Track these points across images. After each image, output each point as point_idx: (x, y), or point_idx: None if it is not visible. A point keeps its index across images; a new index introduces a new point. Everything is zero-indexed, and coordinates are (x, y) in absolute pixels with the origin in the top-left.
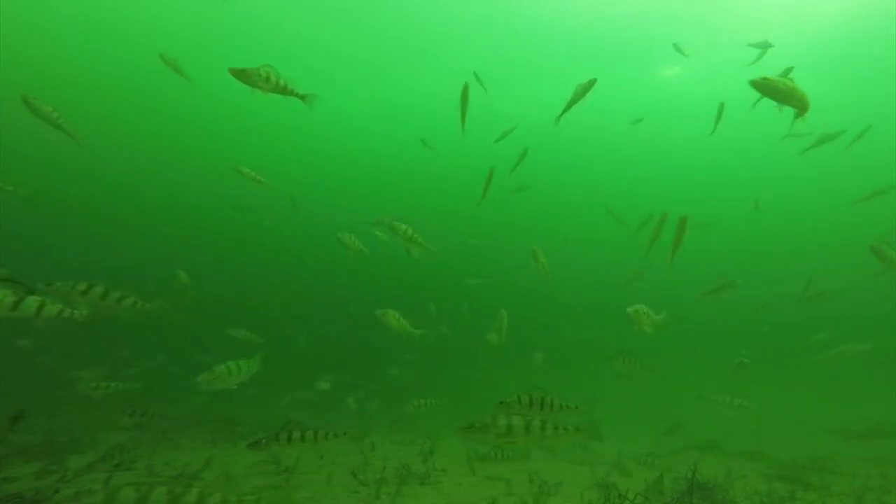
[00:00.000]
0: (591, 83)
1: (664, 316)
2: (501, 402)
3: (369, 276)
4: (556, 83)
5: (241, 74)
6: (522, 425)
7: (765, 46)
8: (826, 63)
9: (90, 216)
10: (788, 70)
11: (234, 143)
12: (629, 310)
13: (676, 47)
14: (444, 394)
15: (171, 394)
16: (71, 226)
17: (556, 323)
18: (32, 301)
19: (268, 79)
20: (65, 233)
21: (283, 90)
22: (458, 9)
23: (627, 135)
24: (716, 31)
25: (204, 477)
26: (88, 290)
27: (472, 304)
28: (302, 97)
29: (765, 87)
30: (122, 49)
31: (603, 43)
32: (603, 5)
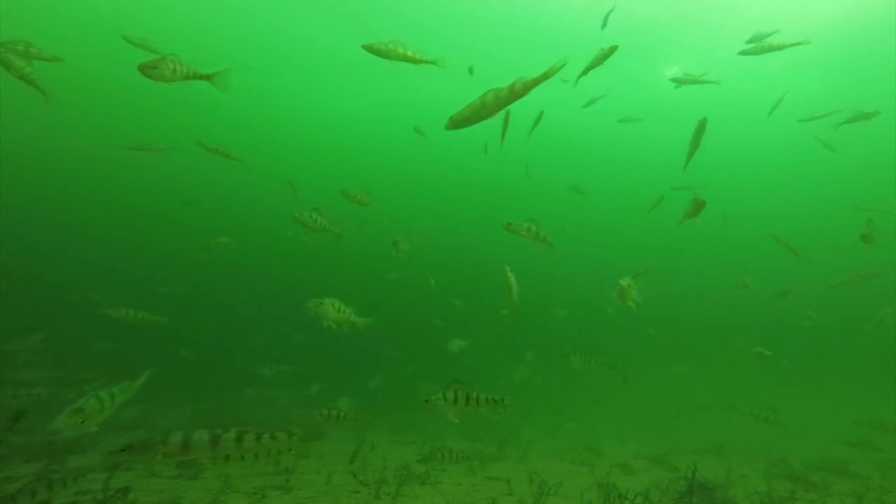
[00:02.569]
0: (613, 49)
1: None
2: (427, 401)
3: (370, 277)
4: (555, 83)
5: (151, 70)
6: (207, 439)
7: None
8: (826, 63)
9: (100, 218)
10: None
11: (232, 144)
12: (622, 282)
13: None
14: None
15: (169, 393)
16: (80, 226)
17: (559, 323)
18: None
19: (175, 70)
20: (79, 236)
21: (189, 76)
22: (458, 9)
23: (627, 134)
24: (716, 31)
25: (204, 477)
26: None
27: (465, 302)
28: (209, 77)
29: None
30: (120, 50)
31: (602, 43)
32: (602, 5)
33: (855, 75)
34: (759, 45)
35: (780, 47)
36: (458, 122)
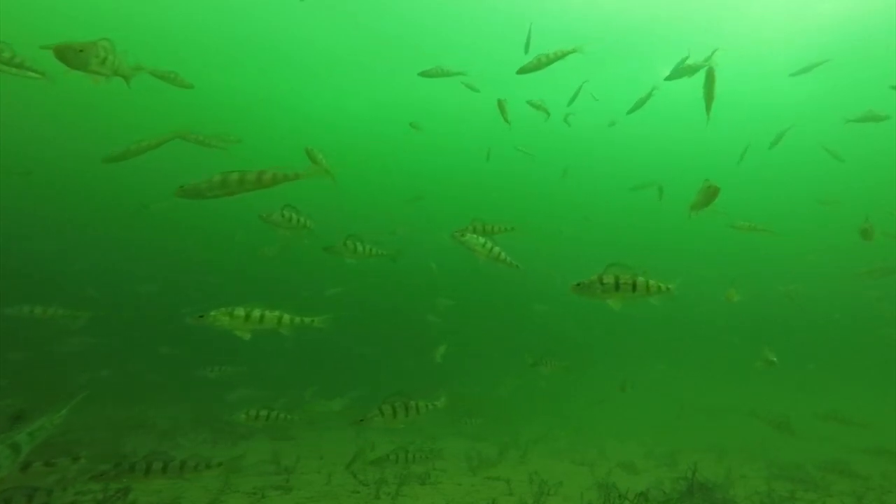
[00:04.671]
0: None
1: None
2: (361, 420)
3: (373, 276)
4: (555, 84)
5: (75, 54)
6: None
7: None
8: (826, 63)
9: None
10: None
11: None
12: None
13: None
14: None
15: (168, 394)
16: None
17: (559, 324)
18: None
19: (104, 61)
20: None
21: (116, 72)
22: (458, 9)
23: (626, 134)
24: (716, 31)
25: (204, 477)
26: None
27: (464, 301)
28: (126, 76)
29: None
30: (118, 49)
31: (602, 43)
32: (602, 6)
33: (854, 76)
34: (679, 69)
35: (696, 69)
36: (190, 192)
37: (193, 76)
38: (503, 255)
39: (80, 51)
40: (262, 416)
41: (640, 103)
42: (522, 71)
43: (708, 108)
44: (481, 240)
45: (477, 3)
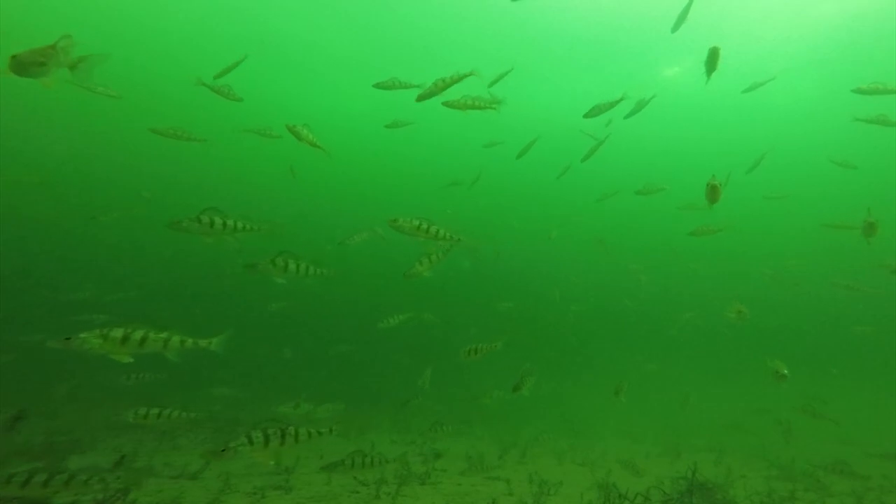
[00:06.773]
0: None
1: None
2: (223, 450)
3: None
4: (555, 84)
5: (41, 69)
6: None
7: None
8: (825, 63)
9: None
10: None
11: (231, 144)
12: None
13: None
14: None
15: (166, 395)
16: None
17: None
18: None
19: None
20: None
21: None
22: (458, 10)
23: (625, 134)
24: (716, 31)
25: (203, 476)
26: None
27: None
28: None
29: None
30: (117, 49)
31: (602, 43)
32: (602, 5)
33: (853, 76)
34: (597, 107)
35: (613, 104)
36: None
37: (193, 76)
38: (441, 231)
39: (42, 63)
40: (152, 415)
41: (592, 151)
42: (421, 98)
43: (709, 76)
44: (415, 221)
45: (477, 4)
